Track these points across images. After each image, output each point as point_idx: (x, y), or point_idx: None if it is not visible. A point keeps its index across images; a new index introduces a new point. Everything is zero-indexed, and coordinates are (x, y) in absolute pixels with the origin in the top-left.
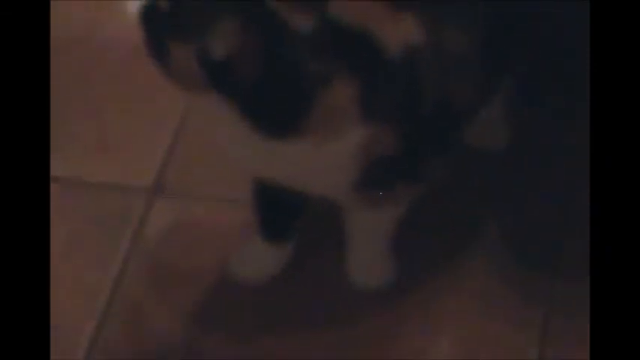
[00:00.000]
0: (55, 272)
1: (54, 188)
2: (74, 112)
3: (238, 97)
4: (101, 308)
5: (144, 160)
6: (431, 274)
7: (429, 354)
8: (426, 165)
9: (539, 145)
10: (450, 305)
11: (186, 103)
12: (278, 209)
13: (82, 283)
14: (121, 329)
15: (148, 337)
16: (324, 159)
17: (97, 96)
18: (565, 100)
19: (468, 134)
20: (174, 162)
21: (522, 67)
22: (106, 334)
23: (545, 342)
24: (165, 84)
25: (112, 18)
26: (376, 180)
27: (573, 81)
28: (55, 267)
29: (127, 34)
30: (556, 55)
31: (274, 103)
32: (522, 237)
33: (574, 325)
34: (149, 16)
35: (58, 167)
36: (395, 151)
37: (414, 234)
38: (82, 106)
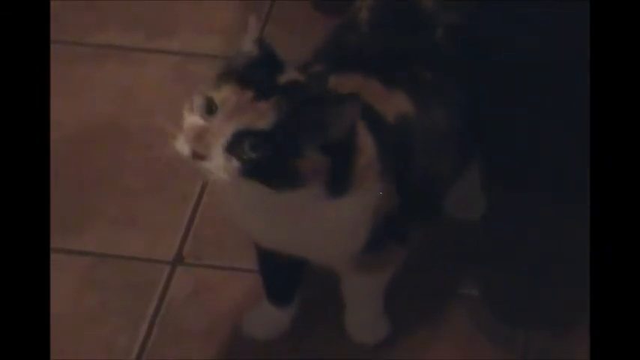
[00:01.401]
0: (89, 336)
1: (86, 261)
2: (104, 193)
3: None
4: None
5: (166, 234)
6: (421, 327)
7: None
8: (413, 229)
9: (514, 214)
10: (437, 354)
11: (203, 183)
12: (281, 278)
13: (114, 345)
14: None
15: None
16: (339, 220)
17: (124, 178)
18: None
19: (448, 204)
20: (193, 236)
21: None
22: None
23: None
24: (184, 168)
25: (134, 108)
26: (380, 242)
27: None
28: (88, 331)
29: (149, 122)
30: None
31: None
32: (501, 295)
33: None
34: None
35: (89, 242)
36: (395, 212)
37: (404, 294)
38: (111, 188)
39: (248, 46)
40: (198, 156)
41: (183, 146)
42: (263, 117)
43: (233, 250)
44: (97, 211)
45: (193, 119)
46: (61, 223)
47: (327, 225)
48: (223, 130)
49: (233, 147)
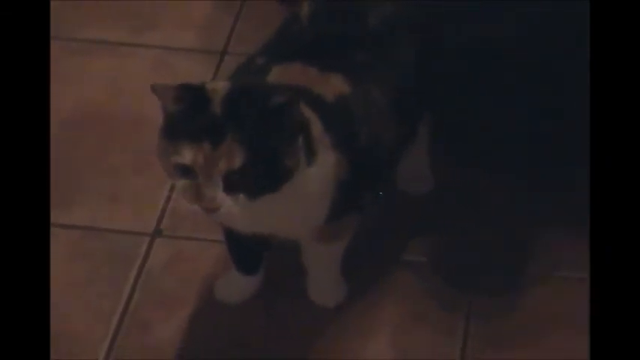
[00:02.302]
0: (78, 300)
1: (76, 234)
2: (93, 172)
3: None
4: (114, 327)
5: (146, 210)
6: (373, 291)
7: (368, 352)
8: (366, 199)
9: (461, 188)
10: (386, 315)
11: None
12: (247, 252)
13: (100, 307)
14: (130, 342)
15: (152, 347)
16: (309, 194)
17: (111, 159)
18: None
19: (400, 180)
20: (170, 211)
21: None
22: (119, 344)
23: (466, 345)
24: None
25: (121, 96)
26: (339, 212)
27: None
28: (77, 296)
29: (134, 109)
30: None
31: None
32: (447, 262)
33: (490, 330)
34: None
35: (79, 217)
36: (349, 182)
37: (358, 260)
38: (99, 168)
39: (172, 105)
40: (210, 211)
41: (193, 207)
42: (234, 156)
43: (206, 224)
44: (86, 189)
45: (182, 184)
46: (53, 200)
47: (300, 198)
48: (213, 186)
49: (231, 188)
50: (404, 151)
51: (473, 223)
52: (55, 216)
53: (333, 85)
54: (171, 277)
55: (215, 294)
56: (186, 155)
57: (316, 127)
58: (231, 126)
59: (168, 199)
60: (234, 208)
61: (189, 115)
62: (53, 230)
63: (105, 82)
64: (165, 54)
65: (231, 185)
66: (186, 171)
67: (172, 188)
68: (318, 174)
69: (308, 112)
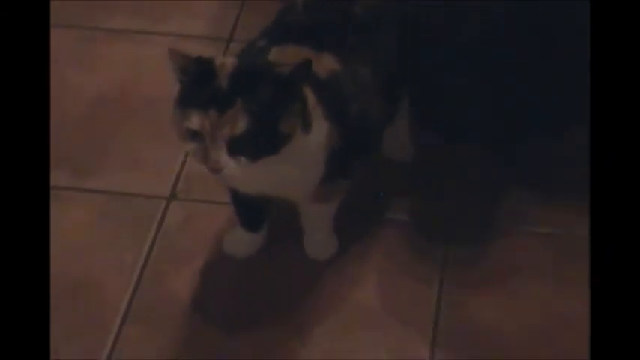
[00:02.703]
0: (103, 256)
1: (100, 198)
2: (116, 143)
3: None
4: (135, 278)
5: (163, 176)
6: (361, 245)
7: (356, 295)
8: (355, 165)
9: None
10: (372, 265)
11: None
12: (251, 211)
13: (123, 261)
14: (150, 292)
15: (168, 296)
16: (306, 158)
17: (132, 131)
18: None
19: (385, 148)
20: (185, 177)
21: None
22: (140, 295)
23: (442, 289)
24: None
25: (140, 78)
26: (331, 176)
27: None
28: (103, 251)
29: (152, 89)
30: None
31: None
32: (425, 219)
33: (462, 276)
34: None
35: (103, 182)
36: (340, 150)
37: (348, 219)
38: (121, 140)
39: (182, 73)
40: (215, 171)
41: (202, 168)
42: (237, 123)
43: (216, 188)
44: (109, 158)
45: (191, 148)
46: (82, 168)
47: (297, 163)
48: (218, 149)
49: (233, 152)
50: (387, 124)
51: (449, 187)
52: (82, 182)
53: (325, 64)
54: (185, 235)
55: (224, 249)
56: (195, 121)
57: (311, 99)
58: (236, 96)
59: (183, 165)
60: (236, 170)
61: (199, 86)
62: (82, 195)
63: (126, 65)
64: (178, 41)
65: (234, 149)
66: (195, 135)
67: (186, 157)
68: (312, 141)
69: (304, 87)
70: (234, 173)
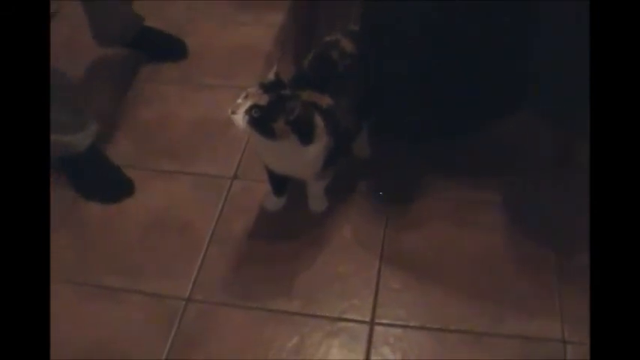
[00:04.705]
0: (179, 220)
1: (171, 177)
2: (198, 139)
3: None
4: (214, 222)
5: (229, 162)
6: (339, 205)
7: (339, 232)
8: (339, 159)
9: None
10: (347, 216)
11: (247, 139)
12: (279, 184)
13: (204, 212)
14: (223, 230)
15: (233, 235)
16: (308, 157)
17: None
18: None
19: (355, 149)
20: (243, 163)
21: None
22: (217, 231)
23: (386, 225)
24: (236, 131)
25: (185, 105)
26: (325, 166)
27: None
28: (189, 205)
29: (208, 112)
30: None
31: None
32: (376, 190)
33: (401, 220)
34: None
35: (171, 164)
36: (331, 151)
37: (333, 189)
38: (200, 138)
39: (270, 76)
40: (233, 112)
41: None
42: (262, 100)
43: (262, 172)
44: (190, 150)
45: (240, 101)
46: (167, 155)
47: (304, 159)
48: (245, 104)
49: (248, 111)
50: (359, 134)
51: (393, 170)
52: (169, 165)
53: (325, 100)
54: (243, 200)
55: (263, 205)
56: (253, 91)
57: (318, 121)
58: (272, 92)
59: (243, 154)
60: (238, 120)
61: (269, 83)
62: (157, 175)
63: None
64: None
65: (248, 111)
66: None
67: (244, 150)
68: (317, 146)
69: (317, 116)
70: (236, 121)
